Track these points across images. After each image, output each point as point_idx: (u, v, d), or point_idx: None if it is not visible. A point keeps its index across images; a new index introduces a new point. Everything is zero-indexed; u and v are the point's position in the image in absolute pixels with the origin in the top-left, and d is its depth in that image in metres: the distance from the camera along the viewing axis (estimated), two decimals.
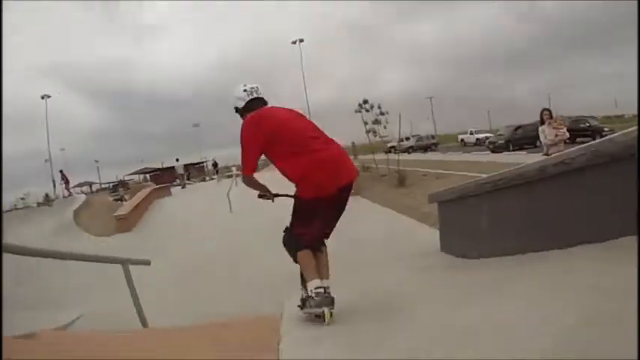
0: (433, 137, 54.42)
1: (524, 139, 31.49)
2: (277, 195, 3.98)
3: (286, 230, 3.88)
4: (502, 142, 32.27)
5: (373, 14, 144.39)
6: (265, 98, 4.02)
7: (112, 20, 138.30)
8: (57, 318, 6.29)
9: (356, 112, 18.01)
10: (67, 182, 36.60)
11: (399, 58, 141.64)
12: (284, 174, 3.73)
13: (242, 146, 3.79)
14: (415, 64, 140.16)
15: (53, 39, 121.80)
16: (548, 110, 9.88)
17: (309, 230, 3.71)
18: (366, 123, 17.99)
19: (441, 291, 4.02)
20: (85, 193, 68.16)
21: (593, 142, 3.47)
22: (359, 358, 2.63)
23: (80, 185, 71.50)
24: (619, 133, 3.24)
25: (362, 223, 10.30)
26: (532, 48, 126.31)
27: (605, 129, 29.42)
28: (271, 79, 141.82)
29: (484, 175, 5.08)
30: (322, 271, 3.73)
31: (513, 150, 30.22)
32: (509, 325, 2.43)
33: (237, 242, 10.36)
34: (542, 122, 9.59)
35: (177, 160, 37.20)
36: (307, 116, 4.40)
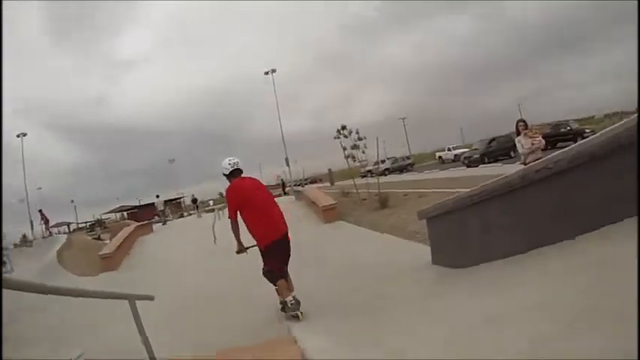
0: (408, 158, 54.99)
1: (498, 151, 32.14)
2: (248, 247, 6.33)
3: (263, 268, 6.17)
4: (477, 156, 32.61)
5: (342, 41, 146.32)
6: (241, 168, 6.42)
7: (87, 56, 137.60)
8: (58, 355, 6.34)
9: (335, 138, 18.10)
10: (46, 222, 35.55)
11: (371, 83, 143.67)
12: (248, 229, 6.07)
13: (227, 202, 6.25)
14: (387, 87, 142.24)
15: (28, 75, 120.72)
16: (523, 121, 10.12)
17: (276, 266, 6.06)
18: (344, 148, 18.08)
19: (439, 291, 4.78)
20: (63, 233, 67.46)
21: (573, 145, 3.76)
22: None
23: (58, 225, 70.55)
24: (598, 133, 3.51)
25: (352, 245, 10.67)
26: (499, 61, 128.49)
27: (587, 130, 30.19)
28: (248, 111, 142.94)
29: (465, 190, 5.42)
30: (291, 288, 6.11)
31: (489, 163, 30.63)
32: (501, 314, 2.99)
33: (224, 274, 10.36)
34: (519, 133, 9.83)
35: (157, 196, 36.16)
36: (263, 181, 6.88)
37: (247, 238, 6.16)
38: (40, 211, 36.00)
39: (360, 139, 17.96)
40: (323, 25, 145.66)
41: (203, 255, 13.64)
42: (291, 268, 6.41)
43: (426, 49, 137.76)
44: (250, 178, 6.46)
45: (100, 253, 15.48)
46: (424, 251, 7.13)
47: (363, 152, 18.34)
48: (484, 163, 30.40)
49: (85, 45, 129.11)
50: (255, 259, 6.27)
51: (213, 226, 14.54)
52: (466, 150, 41.39)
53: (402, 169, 46.66)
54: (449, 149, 49.66)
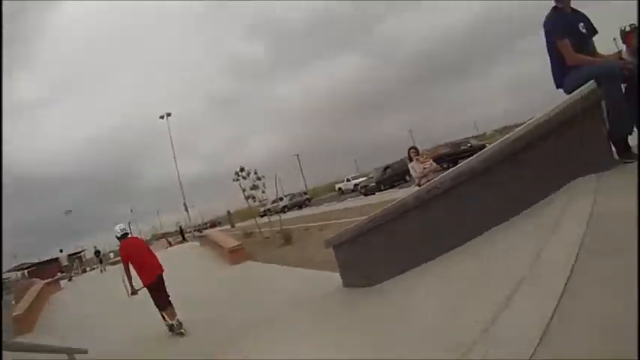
0: (305, 193, 55.37)
1: (393, 177, 33.18)
2: (139, 289, 8.47)
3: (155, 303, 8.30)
4: (373, 184, 33.47)
5: (234, 83, 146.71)
6: (129, 232, 9.04)
7: None
8: None
9: (234, 180, 18.24)
10: None
11: (264, 123, 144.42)
12: (138, 276, 8.24)
13: (121, 257, 8.76)
14: (280, 126, 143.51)
15: None
16: (414, 148, 10.96)
17: (160, 299, 8.24)
18: (244, 190, 18.24)
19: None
20: None
21: (454, 167, 4.46)
22: None
23: None
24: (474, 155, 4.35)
25: (265, 282, 10.87)
26: (387, 93, 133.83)
27: (487, 145, 31.39)
28: (144, 157, 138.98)
29: (361, 218, 6.42)
30: (174, 314, 8.20)
31: (385, 189, 31.32)
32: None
33: (142, 325, 10.04)
34: (411, 159, 10.54)
35: (60, 250, 34.04)
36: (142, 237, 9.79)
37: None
38: None
39: (258, 178, 18.27)
40: (214, 67, 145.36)
41: (118, 309, 13.11)
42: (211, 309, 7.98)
43: (316, 88, 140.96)
44: (134, 237, 9.59)
45: (14, 314, 14.25)
46: (334, 277, 7.50)
47: (263, 192, 18.58)
48: (380, 190, 31.14)
49: None
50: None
51: (124, 279, 14.13)
52: (364, 179, 42.29)
53: (300, 205, 47.00)
54: (348, 180, 50.21)
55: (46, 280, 23.86)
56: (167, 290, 8.41)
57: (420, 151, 10.99)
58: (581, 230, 2.91)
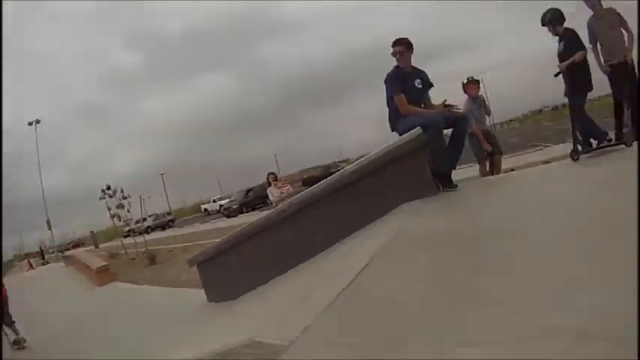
0: (169, 214, 54.50)
1: (256, 199, 33.96)
2: None
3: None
4: (236, 206, 33.97)
5: (103, 93, 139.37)
6: None
7: None
8: None
9: (100, 199, 18.11)
10: None
11: (131, 138, 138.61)
12: None
13: None
14: (147, 143, 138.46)
15: None
16: (273, 173, 12.03)
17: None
18: (109, 208, 18.26)
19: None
20: None
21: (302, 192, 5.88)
22: None
23: None
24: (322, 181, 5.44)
25: (133, 302, 10.96)
26: (255, 112, 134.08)
27: None
28: (7, 167, 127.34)
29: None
30: (17, 332, 8.76)
31: (247, 212, 32.12)
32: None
33: None
34: (269, 184, 11.62)
35: None
36: None
37: None
38: None
39: (124, 197, 18.23)
40: (90, 74, 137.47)
41: None
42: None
43: (185, 106, 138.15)
44: None
45: None
46: (198, 294, 8.14)
47: (128, 211, 18.68)
48: (242, 213, 31.88)
49: None
50: None
51: None
52: (229, 200, 42.46)
53: (163, 226, 46.44)
54: (214, 200, 50.26)
55: None
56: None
57: (279, 176, 12.12)
58: (380, 243, 3.86)
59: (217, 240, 11.06)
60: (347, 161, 63.63)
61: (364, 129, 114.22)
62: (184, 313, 7.84)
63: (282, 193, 11.40)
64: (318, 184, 5.48)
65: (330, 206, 5.25)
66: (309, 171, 38.86)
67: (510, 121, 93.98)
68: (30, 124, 39.74)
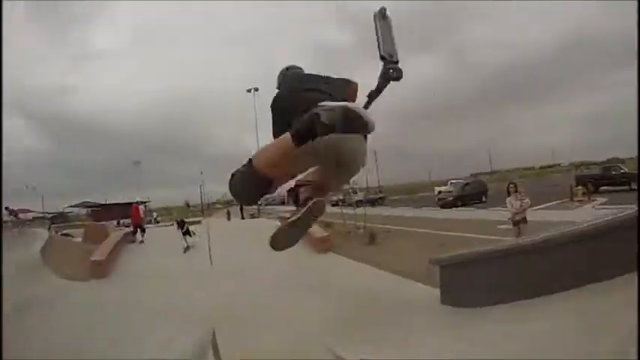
0: (380, 192, 55.26)
1: (471, 195, 33.00)
2: None
3: None
4: (451, 198, 33.18)
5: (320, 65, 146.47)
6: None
7: (55, 44, 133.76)
8: None
9: None
10: (16, 215, 31.15)
11: None
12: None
13: None
14: None
15: None
16: (514, 184, 11.58)
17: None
18: None
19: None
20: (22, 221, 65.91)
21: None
22: None
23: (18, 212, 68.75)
24: None
25: (354, 280, 10.85)
26: (460, 101, 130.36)
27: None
28: (212, 124, 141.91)
29: (450, 233, 7.50)
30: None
31: (462, 206, 31.16)
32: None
33: (222, 293, 10.54)
34: (509, 194, 10.98)
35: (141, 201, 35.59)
36: None
37: None
38: (7, 208, 30.32)
39: None
40: (297, 49, 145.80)
41: (196, 278, 13.31)
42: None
43: (392, 89, 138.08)
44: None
45: (92, 258, 14.93)
46: (426, 290, 8.10)
47: (354, 192, 18.96)
48: (456, 206, 31.00)
49: (54, 32, 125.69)
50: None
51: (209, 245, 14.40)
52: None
53: (373, 202, 46.16)
54: (451, 183, 44.12)
55: (127, 230, 24.17)
56: None
57: (518, 188, 11.35)
58: None
59: (440, 233, 10.87)
60: (558, 166, 59.12)
61: (576, 131, 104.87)
62: (416, 307, 7.62)
63: (521, 205, 11.03)
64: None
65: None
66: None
67: None
68: (248, 91, 43.05)
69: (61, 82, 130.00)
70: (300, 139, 2.43)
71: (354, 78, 3.20)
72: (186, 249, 17.79)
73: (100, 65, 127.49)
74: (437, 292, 7.38)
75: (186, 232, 18.53)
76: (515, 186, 11.37)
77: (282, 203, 32.21)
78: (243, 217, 37.59)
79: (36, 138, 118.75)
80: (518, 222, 11.06)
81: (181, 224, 19.00)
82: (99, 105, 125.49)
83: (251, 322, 7.85)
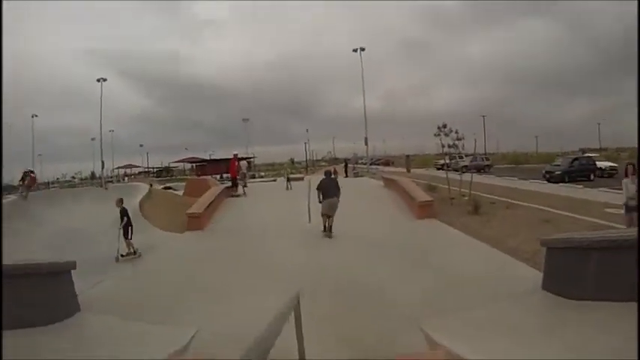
0: (487, 159, 53.11)
1: (579, 172, 31.76)
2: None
3: None
4: (559, 172, 32.09)
5: (421, 30, 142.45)
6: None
7: (167, 14, 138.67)
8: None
9: (435, 135, 18.58)
10: (29, 185, 24.12)
11: (446, 75, 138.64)
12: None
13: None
14: (460, 82, 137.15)
15: (110, 26, 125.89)
16: (632, 165, 10.57)
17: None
18: (443, 146, 18.74)
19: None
20: (127, 175, 71.16)
21: None
22: None
23: (124, 167, 74.30)
24: None
25: (455, 252, 10.76)
26: (584, 72, 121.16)
27: None
28: (322, 85, 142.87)
29: (556, 211, 9.09)
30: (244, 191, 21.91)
31: (568, 182, 30.10)
32: None
33: (316, 256, 10.74)
34: (627, 175, 10.37)
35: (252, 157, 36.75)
36: None
37: None
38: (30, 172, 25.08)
39: (459, 139, 18.48)
40: (402, 12, 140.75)
41: (294, 232, 13.95)
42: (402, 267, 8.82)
43: (502, 53, 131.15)
44: None
45: (189, 211, 15.48)
46: (529, 272, 8.01)
47: (460, 156, 18.92)
48: (564, 182, 29.84)
49: (164, 3, 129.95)
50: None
51: (309, 204, 14.66)
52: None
53: (479, 169, 44.64)
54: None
55: (225, 185, 24.39)
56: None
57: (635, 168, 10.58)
58: None
59: (546, 209, 10.89)
60: None
61: None
62: (513, 288, 7.46)
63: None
64: None
65: None
66: None
67: None
68: (355, 50, 43.08)
69: (176, 49, 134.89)
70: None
71: None
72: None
73: (208, 33, 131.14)
74: (538, 274, 7.23)
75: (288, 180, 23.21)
76: (634, 167, 10.40)
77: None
78: (347, 176, 38.24)
79: (151, 99, 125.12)
80: (632, 208, 10.15)
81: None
82: (211, 70, 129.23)
83: (338, 290, 8.05)
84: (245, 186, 23.78)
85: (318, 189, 13.53)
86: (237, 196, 21.59)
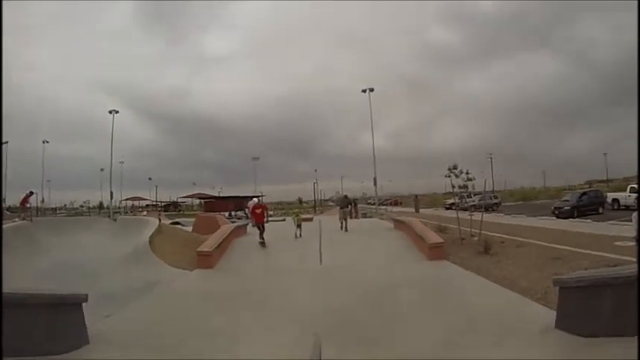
0: (496, 197, 53.26)
1: (588, 206, 31.93)
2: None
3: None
4: (568, 207, 32.17)
5: (421, 67, 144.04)
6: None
7: (174, 49, 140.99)
8: None
9: (446, 176, 18.71)
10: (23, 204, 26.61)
11: (447, 113, 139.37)
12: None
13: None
14: (462, 119, 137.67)
15: (118, 60, 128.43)
16: None
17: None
18: (453, 186, 18.87)
19: None
20: (135, 208, 71.62)
21: None
22: None
23: (131, 199, 74.87)
24: None
25: (467, 292, 10.76)
26: (588, 102, 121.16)
27: None
28: (326, 124, 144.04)
29: (566, 247, 9.21)
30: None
31: (578, 216, 30.11)
32: None
33: (329, 297, 10.71)
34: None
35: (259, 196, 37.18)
36: None
37: None
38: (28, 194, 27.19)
39: (469, 179, 18.59)
40: (401, 50, 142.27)
41: (307, 273, 13.94)
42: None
43: (506, 88, 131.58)
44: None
45: (199, 249, 15.55)
46: (542, 311, 8.09)
47: (469, 195, 19.17)
48: (573, 217, 29.89)
49: (173, 38, 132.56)
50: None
51: (320, 247, 14.86)
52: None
53: (487, 208, 41.99)
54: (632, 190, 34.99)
55: (236, 224, 24.09)
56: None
57: None
58: None
59: (557, 246, 11.20)
60: None
61: None
62: (527, 328, 7.52)
63: None
64: None
65: None
66: None
67: None
68: (363, 91, 44.22)
69: (182, 85, 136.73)
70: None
71: None
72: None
73: (216, 69, 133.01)
74: (551, 313, 7.32)
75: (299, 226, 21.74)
76: None
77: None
78: (357, 216, 38.44)
79: (158, 135, 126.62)
80: None
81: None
82: (217, 106, 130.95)
83: (356, 332, 8.08)
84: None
85: (336, 204, 21.29)
86: (262, 243, 19.29)
